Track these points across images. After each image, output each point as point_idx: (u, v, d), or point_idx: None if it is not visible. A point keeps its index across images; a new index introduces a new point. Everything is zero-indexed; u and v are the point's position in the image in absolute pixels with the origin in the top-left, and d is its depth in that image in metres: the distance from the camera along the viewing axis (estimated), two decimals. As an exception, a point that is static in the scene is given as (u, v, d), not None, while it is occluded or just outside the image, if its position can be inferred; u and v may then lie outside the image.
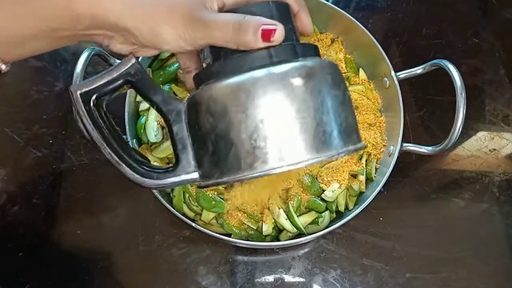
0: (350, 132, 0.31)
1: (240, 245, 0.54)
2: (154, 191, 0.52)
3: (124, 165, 0.32)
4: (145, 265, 0.58)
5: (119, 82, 0.33)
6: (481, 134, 0.71)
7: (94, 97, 0.32)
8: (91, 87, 0.32)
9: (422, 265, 0.61)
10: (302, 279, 0.59)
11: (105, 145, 0.32)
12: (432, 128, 0.71)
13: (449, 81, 0.53)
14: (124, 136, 0.56)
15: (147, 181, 0.32)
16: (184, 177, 0.31)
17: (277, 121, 0.28)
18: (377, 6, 0.82)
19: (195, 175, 0.31)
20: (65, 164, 0.64)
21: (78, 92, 0.32)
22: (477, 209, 0.66)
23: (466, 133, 0.71)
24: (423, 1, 0.83)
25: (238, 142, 0.28)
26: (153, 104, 0.33)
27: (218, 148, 0.29)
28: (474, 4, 0.84)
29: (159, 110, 0.33)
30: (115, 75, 0.33)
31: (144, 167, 0.32)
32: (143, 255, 0.59)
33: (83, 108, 0.32)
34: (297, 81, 0.28)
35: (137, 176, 0.32)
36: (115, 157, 0.32)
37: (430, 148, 0.56)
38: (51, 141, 0.66)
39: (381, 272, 0.60)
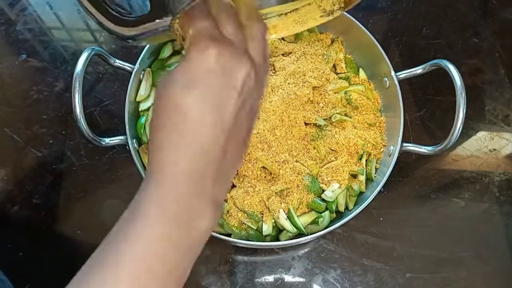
0: None
1: (240, 245, 0.54)
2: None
3: (102, 15, 0.30)
4: (145, 265, 0.58)
5: None
6: (481, 134, 0.71)
7: None
8: None
9: (422, 265, 0.61)
10: (302, 279, 0.59)
11: None
12: (432, 128, 0.71)
13: (449, 81, 0.53)
14: (123, 136, 0.56)
15: (126, 30, 0.30)
16: (158, 22, 0.29)
17: None
18: (377, 6, 0.82)
19: (169, 20, 0.28)
20: (65, 164, 0.64)
21: None
22: (477, 209, 0.66)
23: (466, 133, 0.71)
24: (423, 1, 0.83)
25: None
26: None
27: None
28: (474, 4, 0.84)
29: None
30: None
31: (121, 17, 0.30)
32: (143, 255, 0.59)
33: None
34: None
35: (115, 26, 0.30)
36: (93, 8, 0.30)
37: (430, 148, 0.56)
38: (51, 141, 0.66)
39: (381, 272, 0.60)
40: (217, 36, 0.26)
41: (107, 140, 0.55)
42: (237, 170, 0.57)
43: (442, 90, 0.73)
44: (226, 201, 0.56)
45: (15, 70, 0.71)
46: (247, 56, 0.27)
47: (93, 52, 0.52)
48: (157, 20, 0.29)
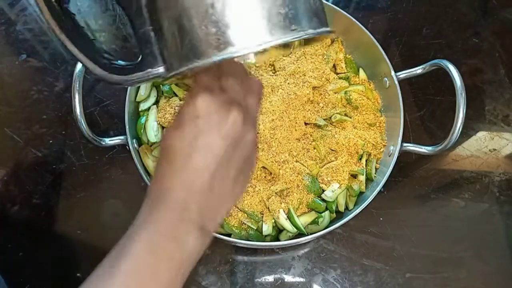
0: (313, 15, 0.29)
1: (240, 245, 0.54)
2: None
3: (91, 61, 0.31)
4: (145, 265, 0.58)
5: None
6: (481, 134, 0.71)
7: None
8: None
9: (422, 265, 0.61)
10: (302, 279, 0.59)
11: (68, 40, 0.30)
12: (432, 128, 0.71)
13: (449, 81, 0.53)
14: (123, 136, 0.56)
15: (115, 77, 0.31)
16: (150, 71, 0.30)
17: (227, 4, 0.27)
18: (377, 6, 0.82)
19: (161, 69, 0.30)
20: (65, 164, 0.64)
21: None
22: (477, 209, 0.66)
23: (466, 133, 0.71)
24: (423, 1, 0.83)
25: (190, 28, 0.27)
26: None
27: (174, 38, 0.28)
28: (474, 4, 0.84)
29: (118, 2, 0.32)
30: None
31: (112, 63, 0.32)
32: (143, 255, 0.58)
33: None
34: None
35: (105, 72, 0.31)
36: (81, 54, 0.31)
37: (430, 148, 0.56)
38: (51, 141, 0.66)
39: (381, 272, 0.60)
40: (211, 86, 0.31)
41: (107, 140, 0.55)
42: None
43: (442, 90, 0.73)
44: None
45: (15, 70, 0.71)
46: (237, 104, 0.31)
47: (93, 52, 0.52)
48: (148, 69, 0.30)
